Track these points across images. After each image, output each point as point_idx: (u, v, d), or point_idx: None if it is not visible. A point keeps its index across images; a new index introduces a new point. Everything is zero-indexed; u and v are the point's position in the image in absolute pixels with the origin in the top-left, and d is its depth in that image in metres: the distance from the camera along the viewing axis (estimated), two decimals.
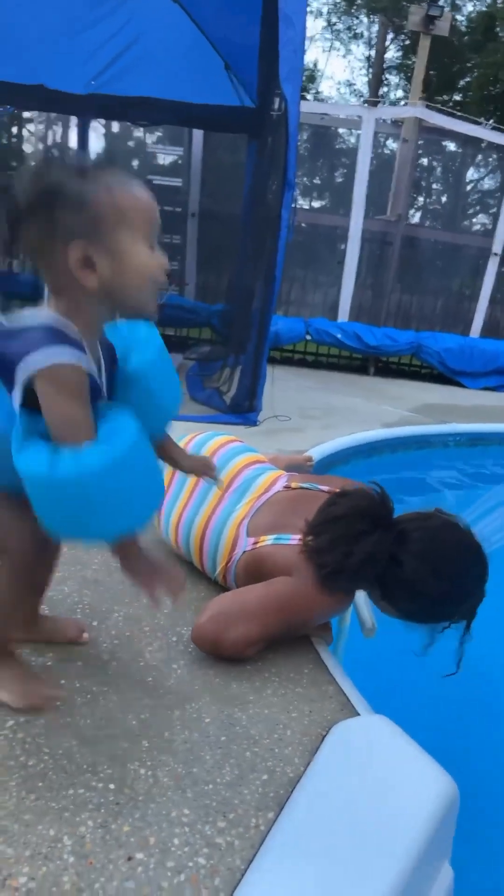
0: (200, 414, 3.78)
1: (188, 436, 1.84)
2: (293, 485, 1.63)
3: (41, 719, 1.10)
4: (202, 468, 1.29)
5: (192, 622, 1.40)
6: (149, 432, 1.11)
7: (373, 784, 1.01)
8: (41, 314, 0.95)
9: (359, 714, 1.22)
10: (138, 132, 9.16)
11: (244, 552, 1.51)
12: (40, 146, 8.01)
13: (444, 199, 9.68)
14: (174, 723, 1.14)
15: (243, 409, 3.83)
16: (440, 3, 7.59)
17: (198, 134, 7.24)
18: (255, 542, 1.50)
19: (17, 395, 0.92)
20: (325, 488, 1.61)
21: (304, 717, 1.21)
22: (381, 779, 1.02)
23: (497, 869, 1.47)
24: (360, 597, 1.55)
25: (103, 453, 0.90)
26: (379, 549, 1.32)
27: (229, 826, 0.95)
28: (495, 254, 7.48)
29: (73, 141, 7.65)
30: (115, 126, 9.08)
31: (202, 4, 4.45)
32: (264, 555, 1.47)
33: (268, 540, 1.48)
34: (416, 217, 9.17)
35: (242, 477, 1.66)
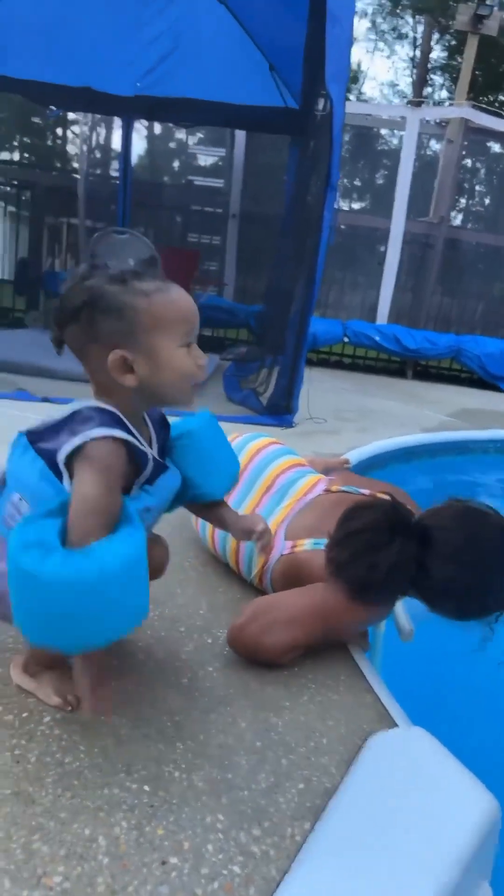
0: (237, 414, 3.78)
1: (229, 436, 1.83)
2: (333, 488, 1.61)
3: (78, 716, 1.10)
4: (249, 534, 1.26)
5: (228, 624, 1.39)
6: (206, 495, 1.21)
7: (411, 799, 0.99)
8: (79, 404, 1.01)
9: (397, 725, 1.19)
10: (180, 133, 9.24)
11: (281, 555, 1.50)
12: (84, 148, 8.11)
13: (487, 200, 9.52)
14: (209, 726, 1.13)
15: (280, 411, 3.81)
16: (489, 2, 7.47)
17: (240, 135, 7.25)
18: (294, 546, 1.48)
19: (66, 481, 0.97)
20: (367, 492, 1.58)
21: (340, 725, 1.19)
22: (420, 794, 1.00)
23: None
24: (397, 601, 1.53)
25: (92, 567, 0.89)
26: (403, 557, 1.27)
27: (264, 834, 0.93)
28: None
29: (115, 142, 7.75)
30: (157, 127, 9.17)
31: (248, 5, 4.46)
32: (302, 560, 1.45)
33: (306, 544, 1.46)
34: (458, 219, 9.03)
35: (282, 480, 1.65)
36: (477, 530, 1.31)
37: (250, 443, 1.78)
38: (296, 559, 1.48)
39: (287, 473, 1.67)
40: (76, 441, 0.95)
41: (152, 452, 1.06)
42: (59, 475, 0.97)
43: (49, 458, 0.97)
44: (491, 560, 1.29)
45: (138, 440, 1.01)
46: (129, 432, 0.99)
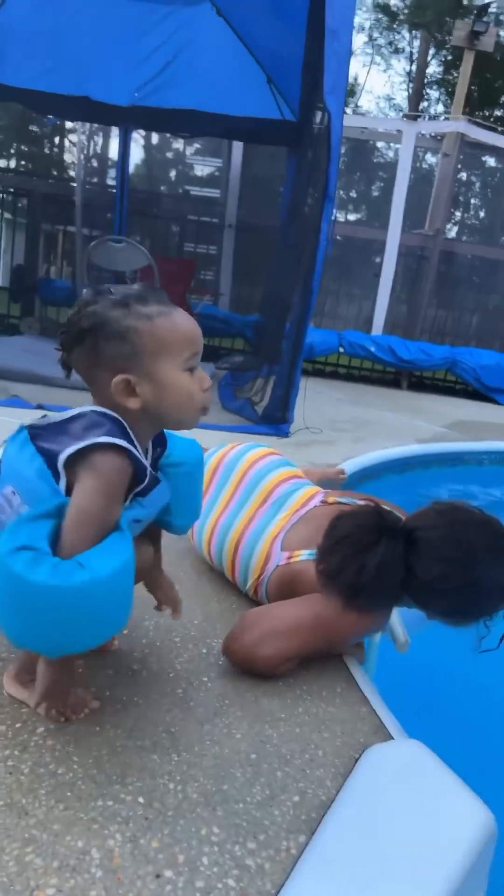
0: (232, 423, 3.78)
1: (228, 444, 1.84)
2: (330, 500, 1.61)
3: (71, 727, 1.09)
4: (166, 600, 1.30)
5: (223, 635, 1.38)
6: (174, 526, 1.25)
7: (407, 813, 0.98)
8: (86, 408, 1.01)
9: (392, 738, 1.19)
10: (177, 143, 9.30)
11: (277, 566, 1.49)
12: (81, 156, 8.15)
13: (482, 214, 9.60)
14: (204, 737, 1.13)
15: (275, 420, 3.82)
16: (485, 18, 7.57)
17: (237, 146, 7.30)
18: (290, 557, 1.48)
19: (62, 482, 0.97)
20: (362, 503, 1.58)
21: (336, 737, 1.18)
22: (415, 807, 0.99)
23: None
24: (392, 610, 1.52)
25: (83, 577, 0.89)
26: (389, 557, 1.27)
27: (260, 847, 0.92)
28: None
29: (112, 151, 7.79)
30: (154, 137, 9.22)
31: (247, 18, 4.50)
32: (298, 570, 1.44)
33: (302, 555, 1.46)
34: (453, 231, 9.10)
35: (279, 491, 1.65)
36: (461, 528, 1.31)
37: (248, 452, 1.78)
38: (291, 570, 1.47)
39: (284, 485, 1.66)
40: (81, 445, 0.94)
41: (149, 466, 1.06)
42: (56, 476, 0.97)
43: (49, 458, 0.97)
44: (478, 556, 1.28)
45: (139, 452, 1.01)
46: (133, 444, 1.00)
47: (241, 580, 1.61)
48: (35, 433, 1.01)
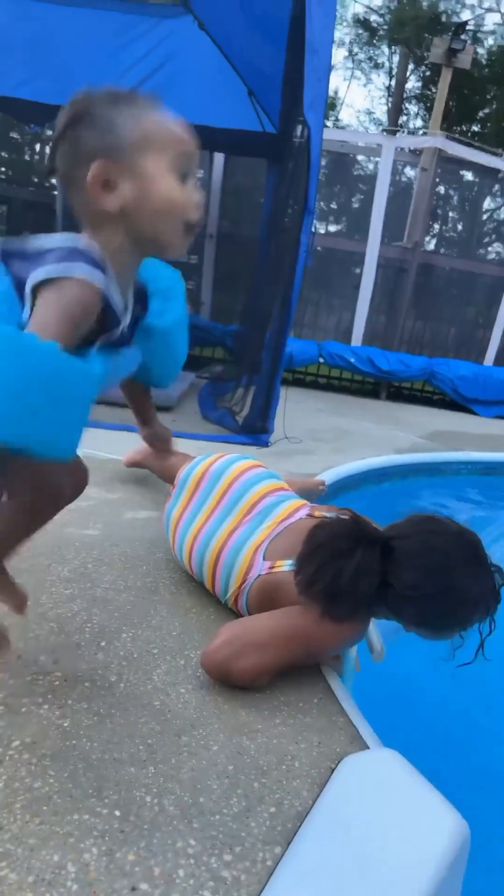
0: (212, 433, 3.79)
1: (213, 455, 1.84)
2: (316, 514, 1.62)
3: (48, 740, 1.08)
4: (157, 439, 1.33)
5: (201, 645, 1.39)
6: (155, 380, 1.24)
7: (382, 822, 0.99)
8: (65, 236, 0.91)
9: (368, 747, 1.20)
10: None
11: (259, 576, 1.50)
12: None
13: (460, 227, 9.74)
14: (181, 749, 1.13)
15: (255, 430, 3.83)
16: (462, 36, 7.71)
17: (218, 157, 7.34)
18: (272, 567, 1.49)
19: (27, 309, 0.87)
20: (347, 517, 1.60)
21: (313, 748, 1.19)
22: (390, 817, 1.00)
23: None
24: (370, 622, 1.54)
25: (55, 348, 0.81)
26: (365, 564, 1.30)
27: (236, 860, 0.93)
28: None
29: None
30: None
31: (228, 32, 4.54)
32: (279, 581, 1.45)
33: (284, 565, 1.47)
34: (431, 244, 9.23)
35: (264, 503, 1.66)
36: (436, 538, 1.34)
37: (234, 464, 1.78)
38: (273, 580, 1.48)
39: (269, 497, 1.68)
40: (54, 272, 0.85)
41: (124, 322, 0.98)
42: (22, 302, 0.88)
43: (18, 282, 0.88)
44: (451, 565, 1.30)
45: (115, 297, 0.92)
46: (108, 286, 0.90)
47: (221, 590, 1.61)
48: (7, 253, 0.90)
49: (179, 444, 2.07)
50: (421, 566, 1.30)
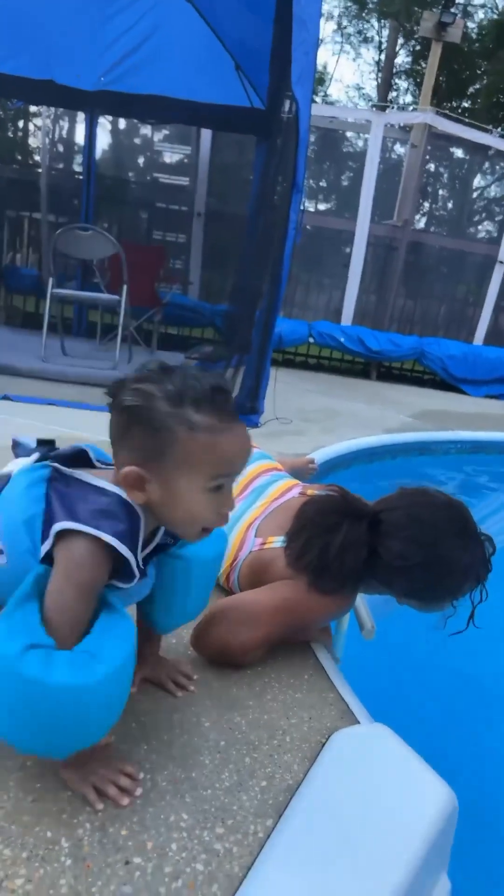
0: None
1: None
2: (309, 492, 1.63)
3: None
4: (157, 681, 1.23)
5: (192, 625, 1.39)
6: (153, 623, 1.16)
7: (371, 794, 1.01)
8: (108, 494, 0.92)
9: (358, 722, 1.21)
10: (145, 129, 9.17)
11: (251, 552, 1.51)
12: (46, 141, 7.99)
13: (450, 205, 9.69)
14: (173, 726, 1.14)
15: (245, 411, 3.83)
16: (452, 10, 7.61)
17: (206, 133, 7.24)
18: (263, 543, 1.50)
19: (45, 546, 0.90)
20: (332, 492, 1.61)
21: (303, 723, 1.20)
22: (379, 789, 1.02)
23: (497, 881, 1.46)
24: (358, 597, 1.55)
25: (100, 668, 0.83)
26: (353, 536, 1.33)
27: (228, 832, 0.94)
28: (501, 262, 7.48)
29: (79, 136, 7.66)
30: (122, 123, 9.09)
31: (214, 5, 4.45)
32: (270, 556, 1.46)
33: (276, 542, 1.48)
34: (421, 223, 9.18)
35: (257, 483, 1.68)
36: (423, 509, 1.36)
37: None
38: (263, 555, 1.49)
39: (262, 477, 1.69)
40: (74, 527, 0.87)
41: (140, 568, 0.97)
42: (45, 536, 0.90)
43: (48, 515, 0.91)
44: (439, 535, 1.32)
45: (135, 556, 0.93)
46: (135, 545, 0.92)
47: None
48: (55, 476, 0.94)
49: None
50: (409, 537, 1.32)
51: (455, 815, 1.02)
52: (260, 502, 1.61)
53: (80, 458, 0.99)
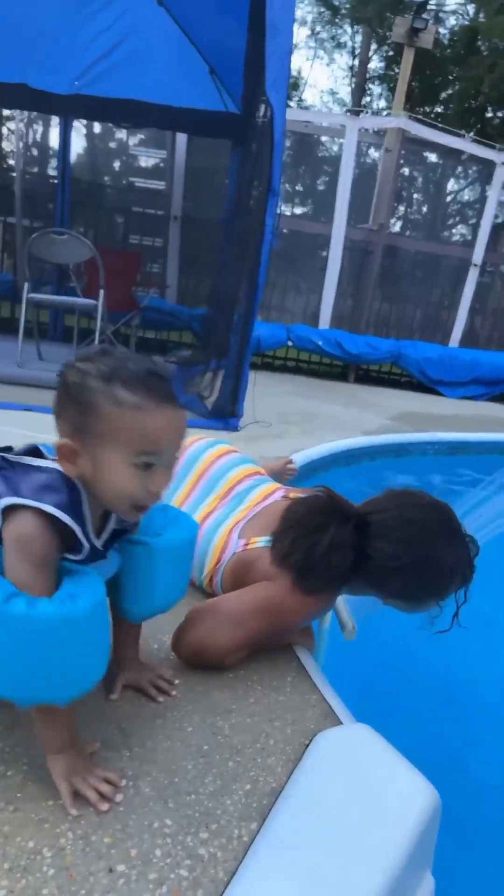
0: None
1: (189, 438, 1.83)
2: (292, 495, 1.63)
3: (20, 728, 1.08)
4: (138, 686, 1.23)
5: (173, 628, 1.39)
6: (121, 610, 1.15)
7: (354, 794, 1.01)
8: (47, 472, 0.97)
9: (342, 723, 1.22)
10: (120, 134, 9.14)
11: (234, 554, 1.51)
12: (20, 145, 7.92)
13: (424, 209, 9.80)
14: (156, 732, 1.13)
15: (225, 414, 3.83)
16: (424, 16, 7.70)
17: (181, 137, 7.23)
18: (246, 544, 1.50)
19: None
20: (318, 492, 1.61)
21: (287, 726, 1.20)
22: (362, 789, 1.02)
23: (479, 876, 1.48)
24: (339, 598, 1.56)
25: (57, 608, 0.86)
26: (341, 537, 1.34)
27: (212, 837, 0.94)
28: (475, 265, 7.58)
29: (53, 140, 7.61)
30: (97, 127, 9.05)
31: (189, 9, 4.46)
32: (253, 557, 1.47)
33: (259, 542, 1.48)
34: (397, 226, 9.27)
35: (240, 487, 1.68)
36: (412, 509, 1.37)
37: (209, 449, 1.79)
38: (246, 555, 1.49)
39: (245, 481, 1.70)
40: (12, 501, 0.92)
41: (93, 542, 1.00)
42: None
43: None
44: (428, 536, 1.34)
45: (81, 527, 0.96)
46: (81, 517, 0.96)
47: (196, 572, 1.61)
48: (3, 466, 0.98)
49: None
50: (401, 538, 1.33)
51: (438, 814, 1.03)
52: (243, 506, 1.61)
53: (33, 453, 1.03)
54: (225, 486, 1.67)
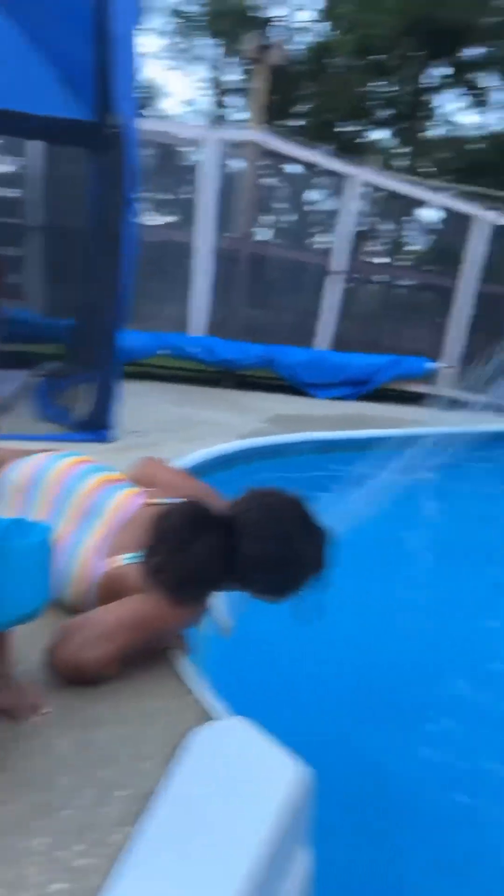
0: (50, 433, 3.67)
1: (32, 457, 1.77)
2: (153, 501, 1.62)
3: None
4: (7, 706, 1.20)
5: (46, 647, 1.36)
6: None
7: (225, 783, 1.05)
8: None
9: (215, 719, 1.25)
10: None
11: (102, 574, 1.50)
12: None
13: (284, 218, 10.15)
14: (30, 752, 1.11)
15: (95, 426, 3.77)
16: (279, 30, 7.96)
17: (39, 145, 7.04)
18: (111, 564, 1.49)
19: None
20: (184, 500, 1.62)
21: (163, 729, 1.22)
22: (232, 777, 1.07)
23: (358, 855, 1.56)
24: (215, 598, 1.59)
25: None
26: (210, 549, 1.37)
27: (89, 847, 0.94)
28: (335, 272, 7.95)
29: None
30: None
31: (33, 17, 4.36)
32: (120, 575, 1.46)
33: (122, 560, 1.48)
34: (262, 235, 9.52)
35: (93, 499, 1.61)
36: (272, 506, 1.44)
37: (58, 462, 1.72)
38: (114, 575, 1.48)
39: (97, 492, 1.63)
40: None
41: None
42: None
43: None
44: (293, 531, 1.41)
45: None
46: None
47: (59, 591, 1.57)
48: None
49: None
50: (267, 535, 1.39)
51: (309, 791, 1.09)
52: (101, 520, 1.57)
53: None
54: (77, 501, 1.61)
